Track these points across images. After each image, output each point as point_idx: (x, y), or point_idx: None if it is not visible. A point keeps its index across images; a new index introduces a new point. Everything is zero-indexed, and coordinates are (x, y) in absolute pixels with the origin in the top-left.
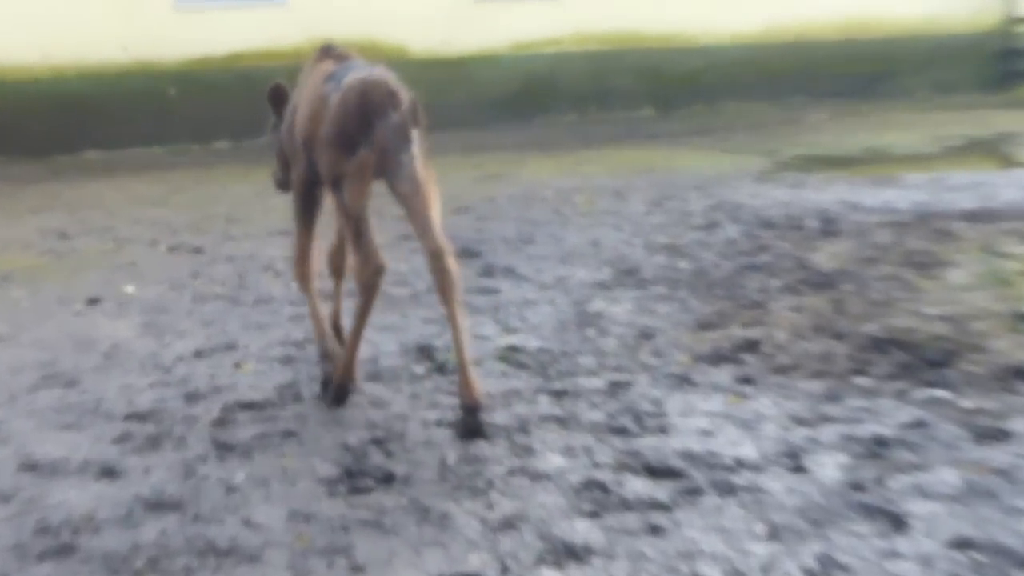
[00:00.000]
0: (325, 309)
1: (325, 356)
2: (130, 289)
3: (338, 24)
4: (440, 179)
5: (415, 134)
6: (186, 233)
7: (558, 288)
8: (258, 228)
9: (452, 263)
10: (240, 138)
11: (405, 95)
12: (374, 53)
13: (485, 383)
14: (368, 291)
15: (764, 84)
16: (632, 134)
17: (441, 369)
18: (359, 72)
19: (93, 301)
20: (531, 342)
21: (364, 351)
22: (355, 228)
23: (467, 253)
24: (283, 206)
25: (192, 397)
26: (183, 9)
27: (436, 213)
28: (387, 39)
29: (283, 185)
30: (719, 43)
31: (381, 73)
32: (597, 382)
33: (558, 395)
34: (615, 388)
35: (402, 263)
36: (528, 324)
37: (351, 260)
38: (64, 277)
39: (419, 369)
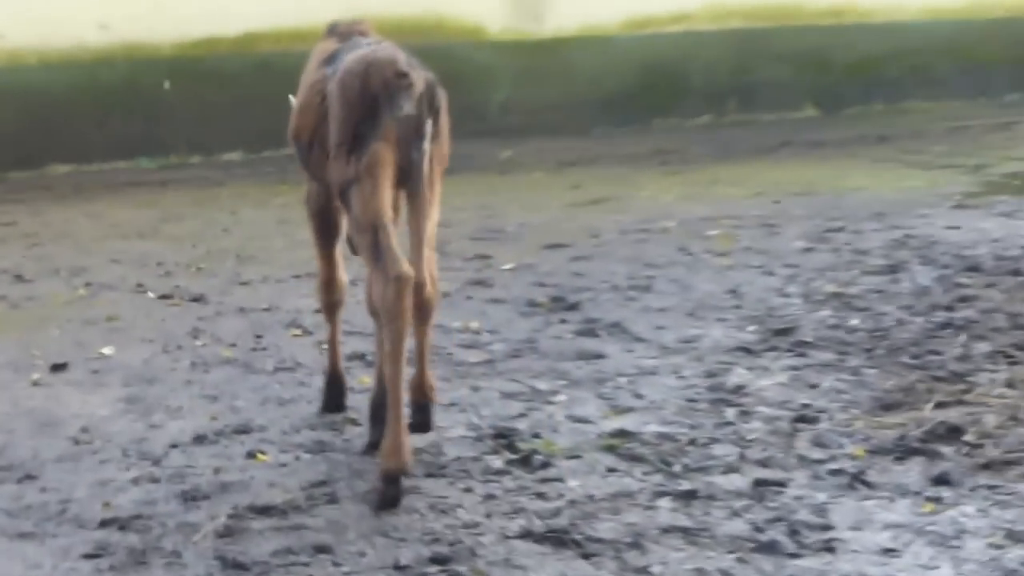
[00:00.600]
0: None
1: (332, 389)
2: (108, 351)
3: None
4: (527, 203)
5: (428, 126)
6: (183, 275)
7: (685, 353)
8: (279, 269)
9: (434, 290)
10: (256, 147)
11: (419, 76)
12: (441, 34)
13: (586, 480)
14: (396, 318)
15: (966, 75)
16: (787, 142)
17: (526, 462)
18: (361, 50)
19: (58, 367)
20: (648, 426)
21: (423, 436)
22: (371, 242)
23: (561, 304)
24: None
25: (190, 498)
26: None
27: (432, 225)
28: (458, 15)
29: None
30: (905, 20)
31: (388, 49)
32: (738, 481)
33: (685, 498)
34: (762, 490)
35: (473, 317)
36: (644, 402)
37: (372, 283)
38: (20, 335)
39: (496, 461)
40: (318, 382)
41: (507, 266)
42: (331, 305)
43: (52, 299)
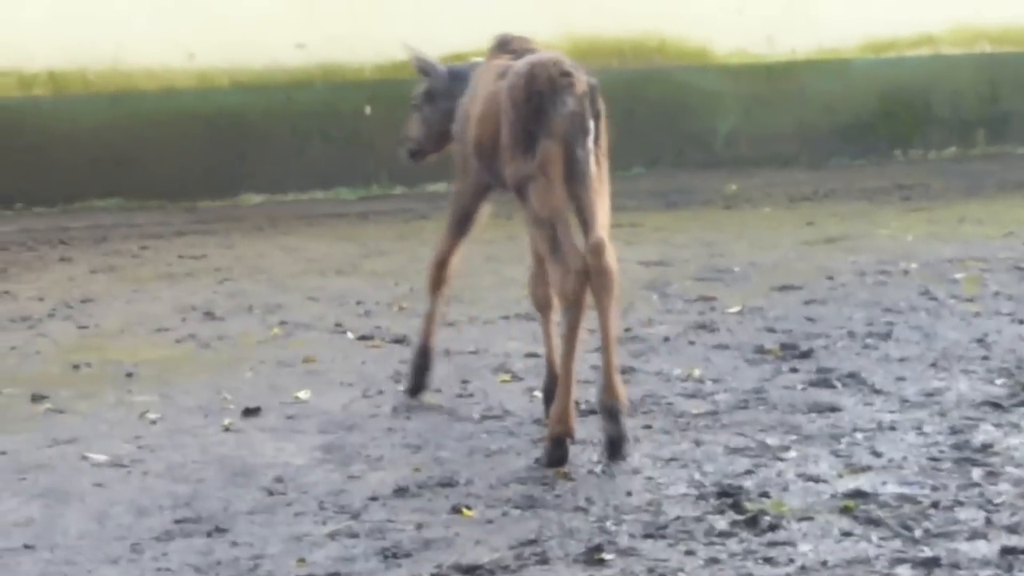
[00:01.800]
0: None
1: (419, 361)
2: (304, 395)
3: (608, 16)
4: (755, 241)
5: (592, 125)
6: (384, 315)
7: (927, 407)
8: (486, 309)
9: (612, 261)
10: None
11: (582, 76)
12: (662, 57)
13: (819, 544)
14: (573, 306)
15: None
16: None
17: (752, 523)
18: (530, 56)
19: (251, 412)
20: (887, 486)
21: (641, 494)
22: (550, 235)
23: (793, 352)
24: (523, 279)
25: (391, 555)
26: None
27: (605, 216)
28: (681, 37)
29: (413, 154)
30: None
31: (553, 54)
32: (984, 548)
33: (926, 566)
34: (1011, 558)
35: (696, 364)
36: (883, 460)
37: (552, 273)
38: (210, 376)
39: (720, 522)
40: (529, 431)
41: (733, 309)
42: (438, 282)
43: (245, 338)
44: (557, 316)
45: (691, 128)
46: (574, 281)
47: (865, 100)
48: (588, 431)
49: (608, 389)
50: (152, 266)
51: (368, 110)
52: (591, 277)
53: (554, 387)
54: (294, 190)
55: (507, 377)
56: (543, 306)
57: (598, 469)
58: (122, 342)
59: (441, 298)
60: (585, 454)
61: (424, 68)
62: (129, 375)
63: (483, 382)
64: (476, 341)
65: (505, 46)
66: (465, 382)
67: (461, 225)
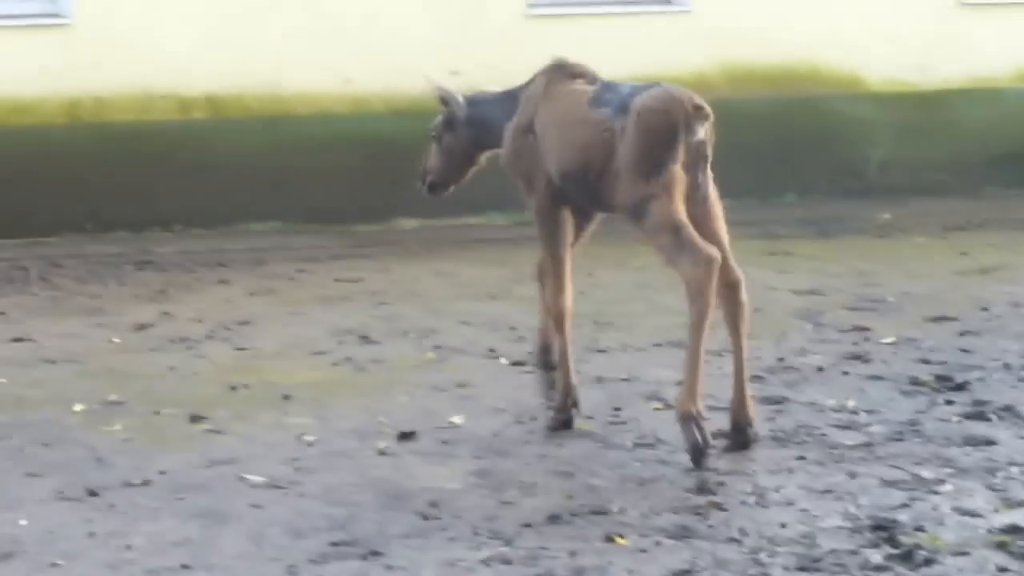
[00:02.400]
0: None
1: (562, 408)
2: (458, 420)
3: (761, 44)
4: (908, 271)
5: (710, 153)
6: (536, 341)
7: None
8: (640, 336)
9: (745, 295)
10: None
11: (708, 109)
12: (814, 85)
13: None
14: (702, 294)
15: None
16: None
17: (907, 557)
18: (651, 89)
19: (406, 436)
20: None
21: (795, 526)
22: (672, 239)
23: (947, 383)
24: (676, 306)
25: None
26: (540, 15)
27: (726, 236)
28: (833, 64)
29: (433, 187)
30: None
31: (680, 88)
32: None
33: None
34: None
35: (849, 395)
36: None
37: (683, 267)
38: (365, 399)
39: (875, 556)
40: (681, 460)
41: (887, 339)
42: (560, 312)
43: (399, 362)
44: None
45: (843, 156)
46: (705, 270)
47: (1019, 129)
48: (739, 462)
49: (739, 408)
50: (309, 289)
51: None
52: (727, 310)
53: (545, 357)
54: (447, 215)
55: (659, 405)
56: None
57: (751, 500)
58: (279, 364)
59: (569, 335)
60: (738, 484)
61: (445, 98)
62: (286, 397)
63: (635, 410)
64: (628, 368)
65: (570, 72)
66: (617, 409)
67: (558, 239)
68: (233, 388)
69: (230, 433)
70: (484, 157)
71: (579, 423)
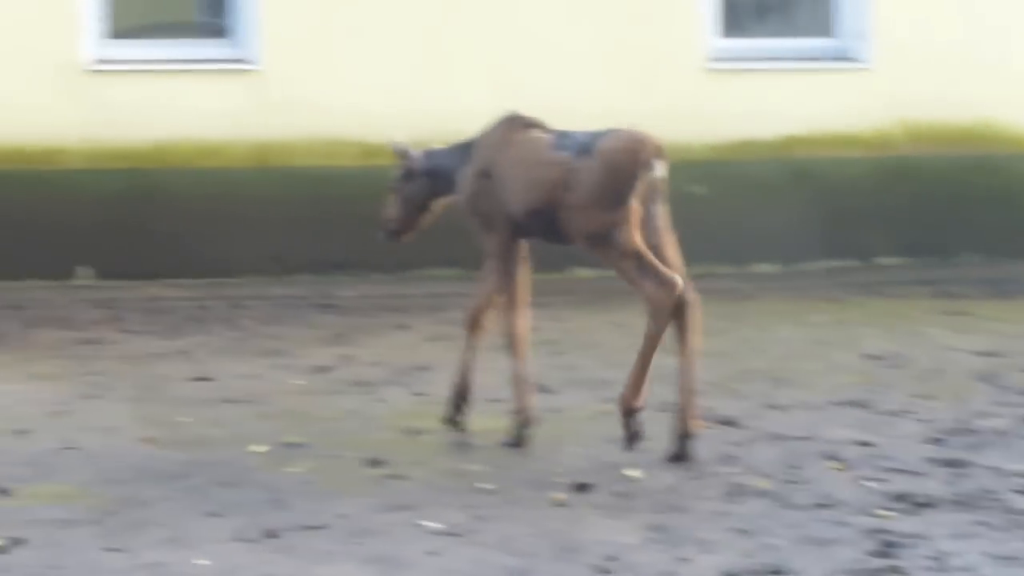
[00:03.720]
0: None
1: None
2: (634, 473)
3: (938, 101)
4: None
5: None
6: (713, 395)
7: None
8: (817, 394)
9: (697, 316)
10: (790, 259)
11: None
12: (989, 145)
13: None
14: (660, 313)
15: None
16: None
17: None
18: (613, 133)
19: (582, 487)
20: None
21: None
22: (636, 264)
23: None
24: (855, 364)
25: None
26: (720, 70)
27: (679, 258)
28: (1013, 124)
29: (393, 233)
30: None
31: (642, 131)
32: None
33: None
34: None
35: None
36: None
37: (647, 290)
38: (542, 449)
39: None
40: (860, 522)
41: None
42: (516, 338)
43: (576, 413)
44: (482, 340)
45: (1020, 218)
46: (666, 291)
47: None
48: (919, 525)
49: (690, 413)
50: (486, 335)
51: (699, 190)
52: (681, 311)
53: (462, 392)
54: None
55: (837, 465)
56: (472, 328)
57: (932, 565)
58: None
59: (524, 356)
60: (918, 549)
61: (401, 153)
62: (463, 444)
63: (812, 469)
64: (805, 426)
65: (524, 122)
66: (794, 467)
67: (511, 273)
68: (411, 433)
69: (408, 478)
70: (439, 205)
71: (757, 481)
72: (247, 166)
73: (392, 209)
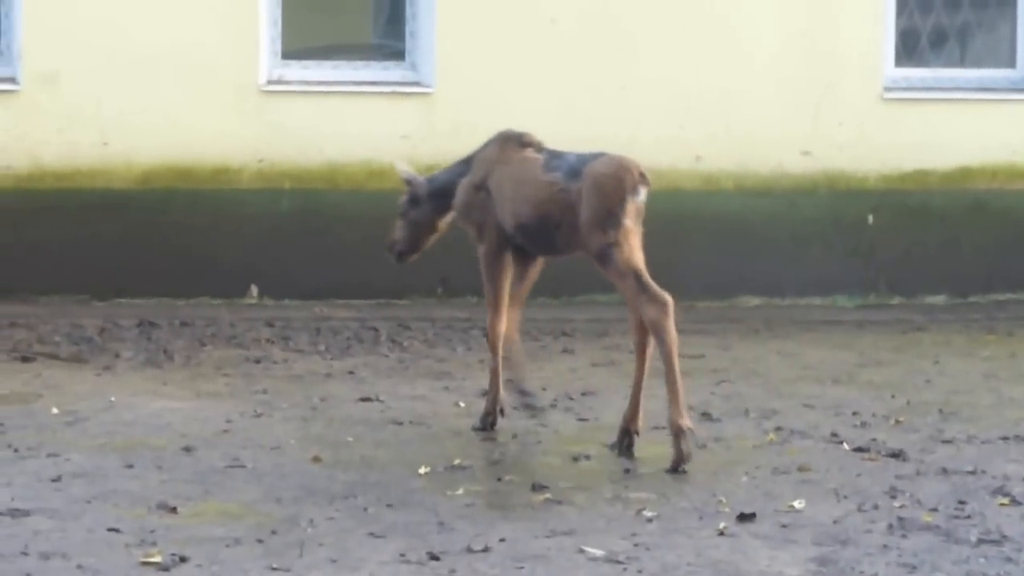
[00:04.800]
0: None
1: (493, 410)
2: (798, 504)
3: None
4: None
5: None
6: (881, 427)
7: None
8: (987, 429)
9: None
10: (962, 291)
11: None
12: None
13: None
14: (665, 332)
15: None
16: None
17: None
18: (601, 158)
19: (746, 517)
20: None
21: None
22: (635, 281)
23: None
24: None
25: None
26: (896, 99)
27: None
28: None
29: (400, 255)
30: None
31: (628, 157)
32: None
33: None
34: None
35: None
36: None
37: (645, 311)
38: (706, 477)
39: None
40: None
41: None
42: (496, 341)
43: (740, 442)
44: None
45: None
46: (663, 311)
47: None
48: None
49: (634, 418)
50: (650, 363)
51: (871, 219)
52: (636, 326)
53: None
54: (792, 295)
55: (1006, 500)
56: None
57: None
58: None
59: (500, 356)
60: None
61: (408, 180)
62: (627, 471)
63: (980, 504)
64: (974, 461)
65: (520, 141)
66: (962, 503)
67: (500, 277)
68: (575, 459)
69: (571, 504)
70: (444, 223)
71: (923, 515)
72: None
73: (399, 232)
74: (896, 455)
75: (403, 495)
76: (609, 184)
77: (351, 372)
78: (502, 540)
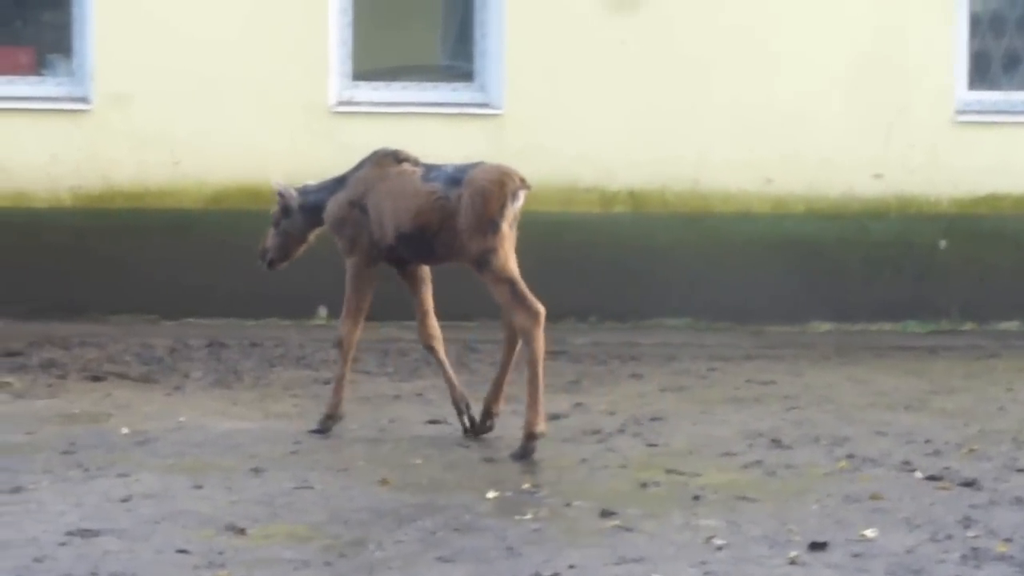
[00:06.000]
0: None
1: (333, 415)
2: (870, 533)
3: None
4: None
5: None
6: (953, 456)
7: None
8: None
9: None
10: None
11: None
12: None
13: None
14: (535, 339)
15: None
16: None
17: None
18: (481, 167)
19: (817, 546)
20: None
21: None
22: (510, 288)
23: None
24: None
25: None
26: (968, 123)
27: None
28: None
29: (271, 263)
30: None
31: (507, 165)
32: None
33: None
34: None
35: None
36: None
37: (517, 318)
38: (776, 505)
39: None
40: None
41: None
42: (349, 345)
43: (811, 469)
44: (441, 348)
45: None
46: (535, 320)
47: None
48: None
49: (496, 401)
50: (720, 388)
51: (943, 244)
52: (507, 322)
53: (460, 402)
54: (863, 320)
55: None
56: (429, 343)
57: None
58: (689, 463)
59: (349, 359)
60: None
61: (280, 192)
62: (696, 498)
63: None
64: None
65: (396, 157)
66: None
67: (364, 291)
68: (643, 485)
69: (640, 531)
70: (314, 235)
71: (997, 545)
72: None
73: (270, 241)
74: (969, 484)
75: (471, 519)
76: (491, 190)
77: (419, 394)
78: (571, 567)
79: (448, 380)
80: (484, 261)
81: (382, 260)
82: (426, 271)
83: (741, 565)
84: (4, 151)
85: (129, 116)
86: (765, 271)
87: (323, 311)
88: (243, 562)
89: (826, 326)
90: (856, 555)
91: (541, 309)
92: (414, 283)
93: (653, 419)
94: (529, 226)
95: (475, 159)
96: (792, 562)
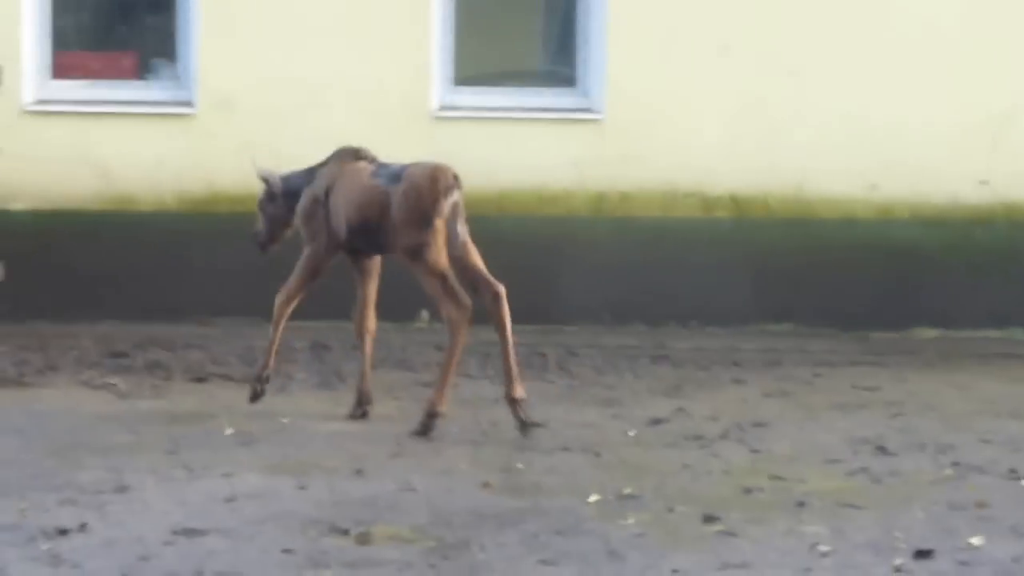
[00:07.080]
0: None
1: (261, 376)
2: (976, 541)
3: None
4: None
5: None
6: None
7: None
8: None
9: (505, 304)
10: None
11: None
12: None
13: None
14: (460, 331)
15: None
16: None
17: None
18: (419, 164)
19: (922, 554)
20: None
21: None
22: (442, 283)
23: None
24: None
25: None
26: None
27: (482, 263)
28: None
29: (262, 245)
30: None
31: (443, 163)
32: None
33: None
34: None
35: None
36: None
37: (447, 310)
38: (881, 512)
39: None
40: None
41: None
42: (282, 315)
43: (917, 477)
44: (370, 341)
45: None
46: (463, 314)
47: None
48: None
49: (514, 384)
50: (824, 394)
51: None
52: (498, 305)
53: (366, 392)
54: (968, 327)
55: None
56: (361, 334)
57: None
58: (793, 469)
59: (281, 328)
60: None
61: (264, 177)
62: (800, 504)
63: None
64: None
65: (355, 154)
66: None
67: (312, 276)
68: (747, 490)
69: (743, 536)
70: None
71: None
72: (585, 215)
73: (259, 225)
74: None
75: (573, 523)
76: (424, 186)
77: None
78: (674, 571)
79: (363, 373)
80: (417, 254)
81: (339, 250)
82: (376, 265)
83: (845, 572)
84: (109, 155)
85: (233, 120)
86: (869, 277)
87: (425, 315)
88: (347, 563)
89: (931, 332)
90: (962, 563)
91: (469, 303)
92: (363, 275)
93: (756, 425)
94: (629, 230)
95: (577, 163)
96: (897, 570)
